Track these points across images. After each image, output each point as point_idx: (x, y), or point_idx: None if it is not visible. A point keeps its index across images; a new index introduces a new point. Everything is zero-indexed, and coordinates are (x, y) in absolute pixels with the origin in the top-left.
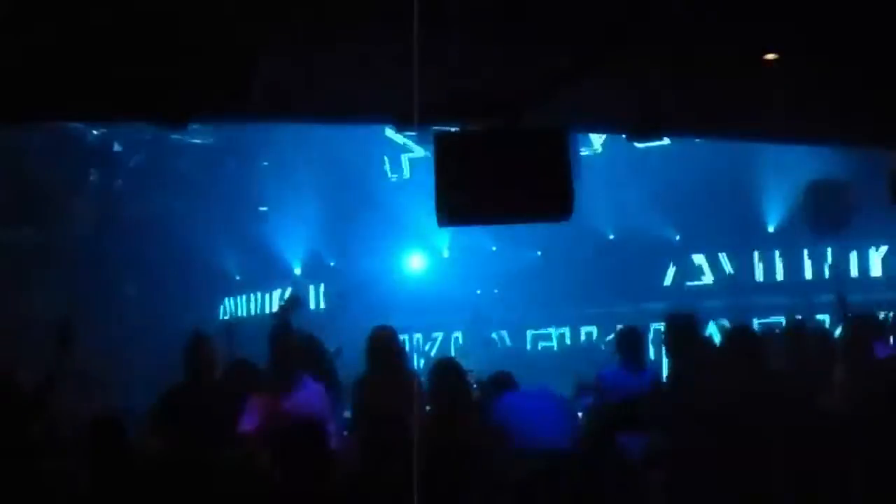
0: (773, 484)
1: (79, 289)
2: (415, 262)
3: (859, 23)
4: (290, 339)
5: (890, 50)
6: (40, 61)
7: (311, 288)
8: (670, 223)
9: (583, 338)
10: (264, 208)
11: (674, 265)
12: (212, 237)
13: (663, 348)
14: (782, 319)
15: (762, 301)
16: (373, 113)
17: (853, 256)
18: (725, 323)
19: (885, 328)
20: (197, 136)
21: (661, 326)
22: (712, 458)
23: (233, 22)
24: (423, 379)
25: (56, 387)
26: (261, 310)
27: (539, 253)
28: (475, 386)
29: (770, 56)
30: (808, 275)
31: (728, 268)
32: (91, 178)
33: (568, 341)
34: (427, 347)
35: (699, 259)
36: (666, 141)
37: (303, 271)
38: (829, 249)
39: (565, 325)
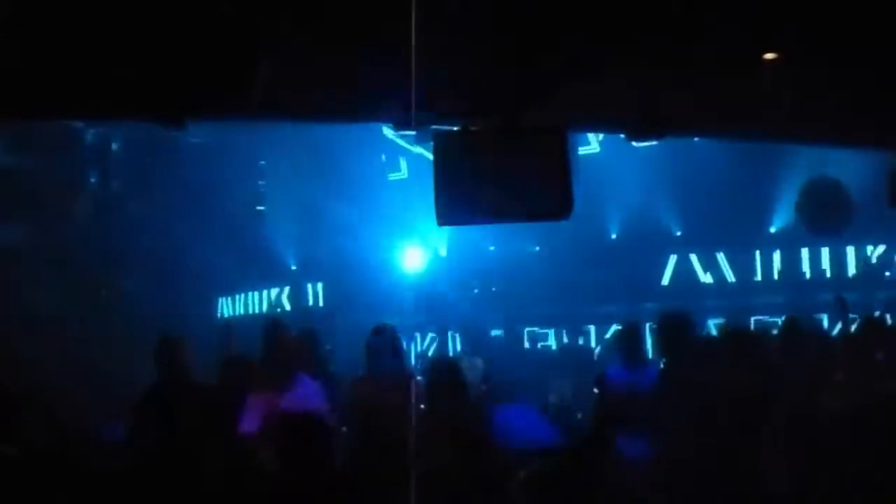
0: (767, 485)
1: (76, 287)
2: (413, 261)
3: (860, 22)
4: (282, 337)
5: (890, 50)
6: (38, 60)
7: (309, 287)
8: (668, 223)
9: (581, 338)
10: (262, 207)
11: (672, 265)
12: (209, 236)
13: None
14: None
15: (761, 301)
16: (371, 112)
17: (850, 255)
18: (722, 322)
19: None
20: (194, 136)
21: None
22: (702, 459)
23: (231, 21)
24: (419, 378)
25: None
26: (258, 309)
27: (537, 248)
28: (482, 381)
29: (770, 55)
30: (807, 274)
31: (727, 267)
32: (89, 177)
33: (566, 341)
34: (424, 346)
35: (697, 258)
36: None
37: (300, 270)
38: (827, 249)
39: (564, 325)
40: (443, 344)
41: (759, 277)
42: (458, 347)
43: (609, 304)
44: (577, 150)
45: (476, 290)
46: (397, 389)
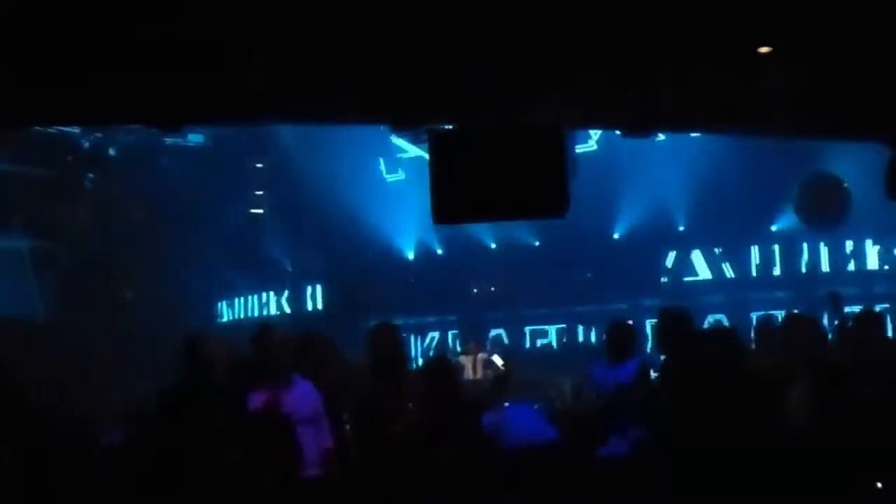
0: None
1: (75, 294)
2: (412, 261)
3: (856, 16)
4: (269, 339)
5: (886, 43)
6: (35, 65)
7: (308, 288)
8: (667, 219)
9: (580, 335)
10: (259, 210)
11: (671, 261)
12: (207, 240)
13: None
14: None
15: (759, 296)
16: (368, 113)
17: (849, 250)
18: (723, 318)
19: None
20: (191, 139)
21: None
22: (699, 451)
23: (227, 23)
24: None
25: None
26: (258, 312)
27: (537, 244)
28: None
29: (764, 49)
30: (805, 269)
31: (725, 263)
32: (86, 182)
33: (566, 338)
34: (424, 345)
35: (696, 254)
36: (661, 137)
37: (298, 272)
38: (826, 243)
39: (563, 322)
40: (443, 343)
41: (758, 273)
42: (458, 346)
43: (606, 302)
44: (575, 149)
45: (475, 290)
46: (399, 387)
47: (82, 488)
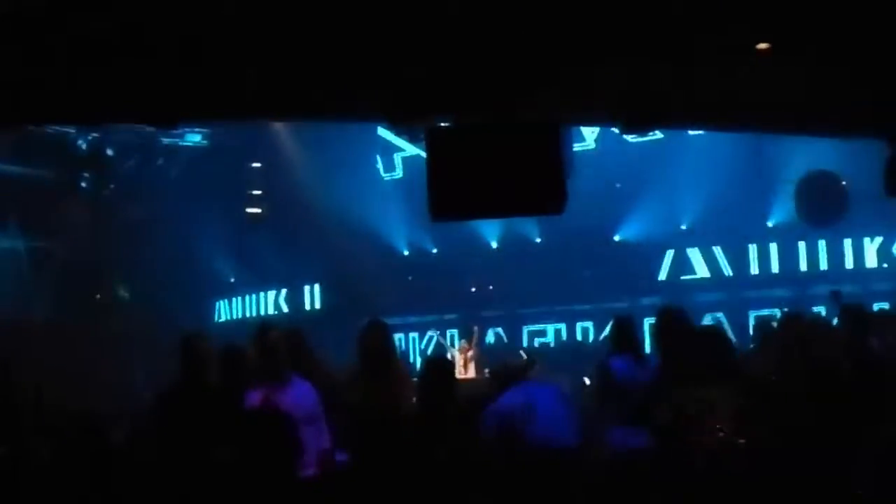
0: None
1: (72, 293)
2: (410, 259)
3: (854, 14)
4: (269, 338)
5: (885, 41)
6: (33, 65)
7: (307, 289)
8: (664, 217)
9: (579, 333)
10: (257, 210)
11: (669, 259)
12: (204, 240)
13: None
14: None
15: (758, 294)
16: (365, 111)
17: (848, 248)
18: (721, 317)
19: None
20: (188, 139)
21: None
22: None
23: (223, 22)
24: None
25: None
26: (255, 312)
27: (538, 240)
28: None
29: (762, 46)
30: (804, 267)
31: (723, 261)
32: (83, 182)
33: (564, 337)
34: (423, 345)
35: (694, 253)
36: (659, 135)
37: (297, 271)
38: (824, 241)
39: (562, 321)
40: (440, 342)
41: (756, 271)
42: (455, 345)
43: (604, 300)
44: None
45: (473, 289)
46: (391, 387)
47: (83, 488)
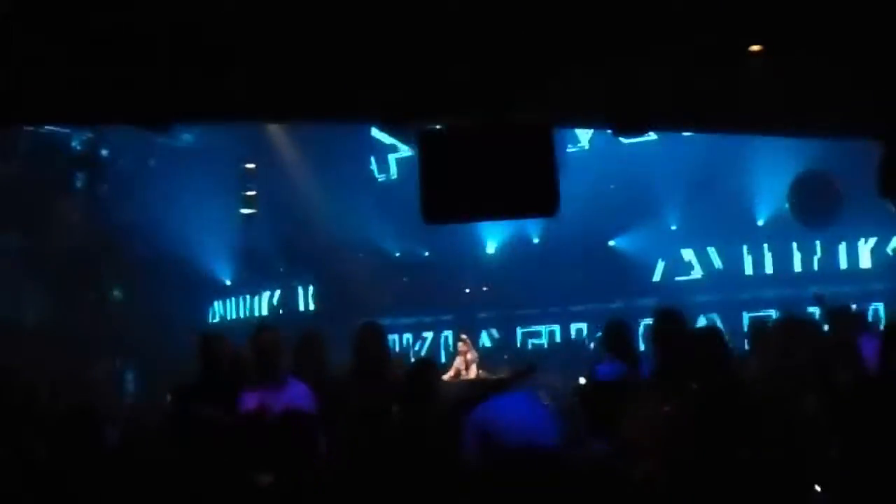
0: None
1: (66, 293)
2: (403, 261)
3: (847, 13)
4: (267, 338)
5: (878, 41)
6: (25, 65)
7: (300, 289)
8: (659, 218)
9: (573, 335)
10: (251, 210)
11: (663, 260)
12: (199, 240)
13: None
14: (772, 312)
15: (752, 295)
16: (358, 112)
17: (842, 248)
18: (715, 317)
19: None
20: (183, 140)
21: (650, 321)
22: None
23: (217, 22)
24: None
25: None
26: (249, 312)
27: (535, 241)
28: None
29: (755, 47)
30: (798, 267)
31: (717, 262)
32: (77, 182)
33: (558, 338)
34: (417, 347)
35: (688, 254)
36: (653, 136)
37: (290, 273)
38: (818, 242)
39: (556, 322)
40: (434, 343)
41: (750, 272)
42: (451, 346)
43: (599, 301)
44: (566, 148)
45: (467, 290)
46: (384, 388)
47: (84, 487)
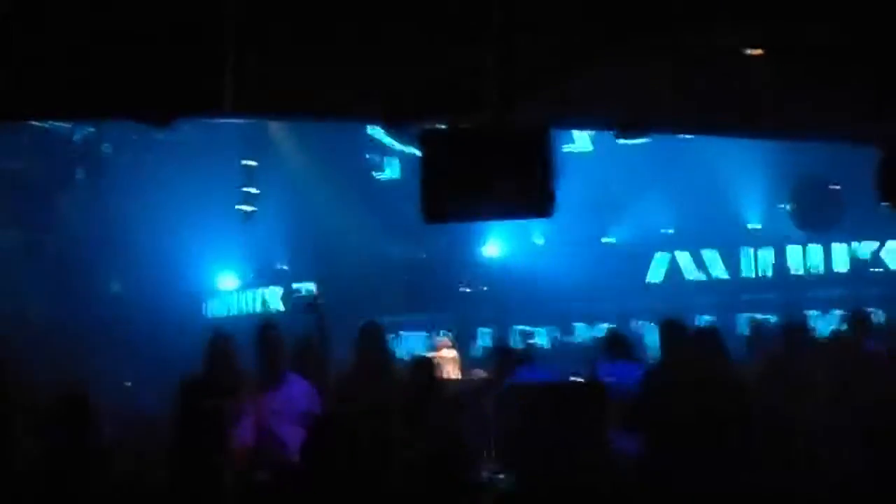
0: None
1: (65, 288)
2: (403, 259)
3: (847, 19)
4: (276, 337)
5: (878, 46)
6: (25, 61)
7: (300, 287)
8: (658, 220)
9: (573, 335)
10: (251, 208)
11: (662, 262)
12: (198, 237)
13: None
14: (770, 316)
15: (750, 298)
16: (359, 111)
17: (841, 252)
18: (712, 320)
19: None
20: (183, 136)
21: (650, 323)
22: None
23: (217, 19)
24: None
25: None
26: (248, 309)
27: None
28: None
29: (755, 50)
30: (796, 270)
31: (716, 264)
32: (77, 177)
33: (558, 339)
34: (413, 345)
35: (686, 256)
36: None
37: (290, 270)
38: (818, 246)
39: (555, 323)
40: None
41: (748, 274)
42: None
43: (597, 302)
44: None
45: (468, 289)
46: (385, 386)
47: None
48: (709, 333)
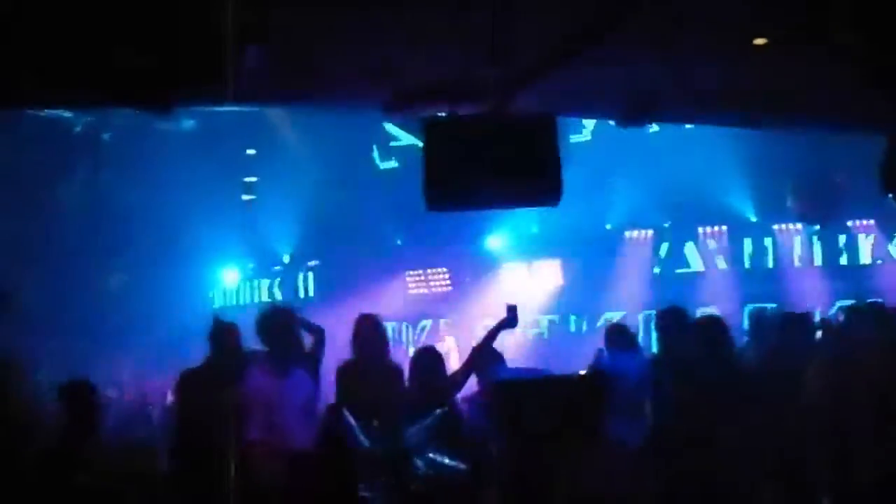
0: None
1: (65, 279)
2: (404, 249)
3: (850, 9)
4: (278, 320)
5: (881, 36)
6: (24, 48)
7: (301, 276)
8: (659, 211)
9: (572, 326)
10: (252, 196)
11: (663, 253)
12: (200, 227)
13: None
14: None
15: (752, 289)
16: (362, 99)
17: (842, 243)
18: (715, 311)
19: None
20: (184, 125)
21: (651, 314)
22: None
23: (218, 6)
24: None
25: None
26: (250, 299)
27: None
28: None
29: (760, 41)
30: (798, 262)
31: (718, 255)
32: (77, 167)
33: (557, 329)
34: (415, 337)
35: (689, 247)
36: (655, 128)
37: (292, 259)
38: (819, 237)
39: (555, 313)
40: (433, 332)
41: (749, 265)
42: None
43: (597, 292)
44: (569, 138)
45: (468, 279)
46: (383, 378)
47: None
48: (712, 322)
